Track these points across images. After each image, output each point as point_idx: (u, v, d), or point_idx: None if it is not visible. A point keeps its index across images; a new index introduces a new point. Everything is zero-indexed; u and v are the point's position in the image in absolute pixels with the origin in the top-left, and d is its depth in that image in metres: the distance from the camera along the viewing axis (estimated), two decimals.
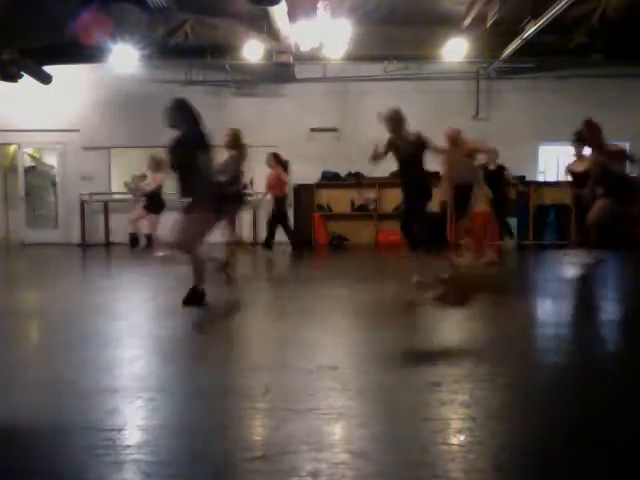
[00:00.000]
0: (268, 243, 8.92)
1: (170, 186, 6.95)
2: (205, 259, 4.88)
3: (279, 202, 8.92)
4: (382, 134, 5.84)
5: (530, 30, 8.36)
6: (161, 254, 7.89)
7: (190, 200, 4.63)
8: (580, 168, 7.70)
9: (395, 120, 5.82)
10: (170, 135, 4.64)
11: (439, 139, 7.37)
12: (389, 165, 10.22)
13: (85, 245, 11.40)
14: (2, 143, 12.05)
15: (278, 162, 8.95)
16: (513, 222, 10.99)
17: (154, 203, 8.92)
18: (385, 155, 6.00)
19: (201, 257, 4.74)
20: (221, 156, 6.25)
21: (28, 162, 12.30)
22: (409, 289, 5.22)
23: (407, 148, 5.80)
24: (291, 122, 11.18)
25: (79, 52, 9.38)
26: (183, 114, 4.63)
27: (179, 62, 10.82)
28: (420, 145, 5.84)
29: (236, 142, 6.45)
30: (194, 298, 4.60)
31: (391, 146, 5.89)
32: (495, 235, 9.19)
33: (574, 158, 8.11)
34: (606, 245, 7.18)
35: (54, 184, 12.18)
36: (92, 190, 11.49)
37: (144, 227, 9.43)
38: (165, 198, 8.93)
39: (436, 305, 3.80)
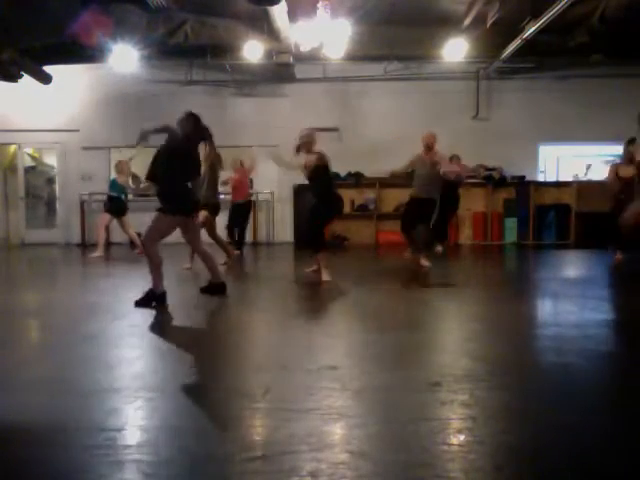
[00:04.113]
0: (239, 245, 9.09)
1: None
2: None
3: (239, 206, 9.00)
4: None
5: (530, 30, 8.37)
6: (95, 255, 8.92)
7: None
8: (629, 173, 7.47)
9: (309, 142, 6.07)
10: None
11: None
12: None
13: (85, 245, 11.40)
14: (2, 143, 12.04)
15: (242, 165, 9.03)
16: (513, 222, 11.03)
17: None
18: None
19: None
20: None
21: (28, 162, 12.32)
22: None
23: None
24: (291, 122, 11.17)
25: (79, 52, 9.37)
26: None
27: (179, 62, 10.82)
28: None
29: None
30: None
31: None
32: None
33: (619, 161, 7.97)
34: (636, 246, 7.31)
35: (54, 184, 12.20)
36: (92, 190, 11.48)
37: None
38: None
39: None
